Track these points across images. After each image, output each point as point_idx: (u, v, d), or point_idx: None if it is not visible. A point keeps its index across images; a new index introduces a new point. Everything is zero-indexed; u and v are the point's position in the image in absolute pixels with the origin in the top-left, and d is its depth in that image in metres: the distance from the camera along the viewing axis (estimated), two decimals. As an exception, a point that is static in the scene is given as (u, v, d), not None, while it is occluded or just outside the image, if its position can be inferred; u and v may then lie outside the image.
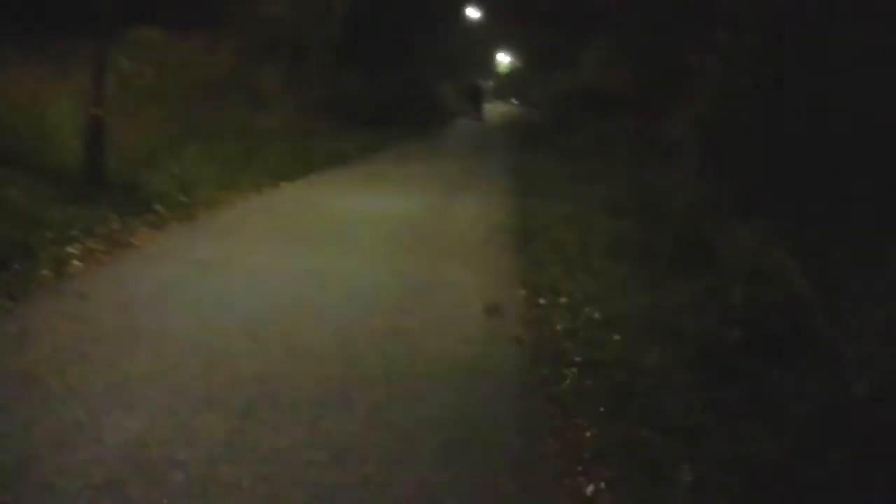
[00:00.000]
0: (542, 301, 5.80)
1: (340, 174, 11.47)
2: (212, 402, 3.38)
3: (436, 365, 4.28)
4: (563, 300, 5.82)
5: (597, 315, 5.42)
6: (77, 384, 3.41)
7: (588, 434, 3.61)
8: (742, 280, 5.50)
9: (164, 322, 4.35)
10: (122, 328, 4.17)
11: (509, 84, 59.33)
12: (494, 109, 46.11)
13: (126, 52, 11.08)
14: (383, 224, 8.06)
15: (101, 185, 7.05)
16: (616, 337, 4.99)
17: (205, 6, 13.43)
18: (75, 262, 5.28)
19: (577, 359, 4.62)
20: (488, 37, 52.22)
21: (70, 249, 5.49)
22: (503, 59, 61.31)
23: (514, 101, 54.24)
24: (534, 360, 4.62)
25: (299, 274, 5.74)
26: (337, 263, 6.20)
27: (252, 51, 14.25)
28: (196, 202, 7.75)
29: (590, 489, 3.13)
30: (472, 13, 43.88)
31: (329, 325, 4.69)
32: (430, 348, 4.52)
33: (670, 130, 8.93)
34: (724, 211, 6.48)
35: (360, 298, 5.31)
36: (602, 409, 3.88)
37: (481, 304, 5.45)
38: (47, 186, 6.54)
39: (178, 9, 13.08)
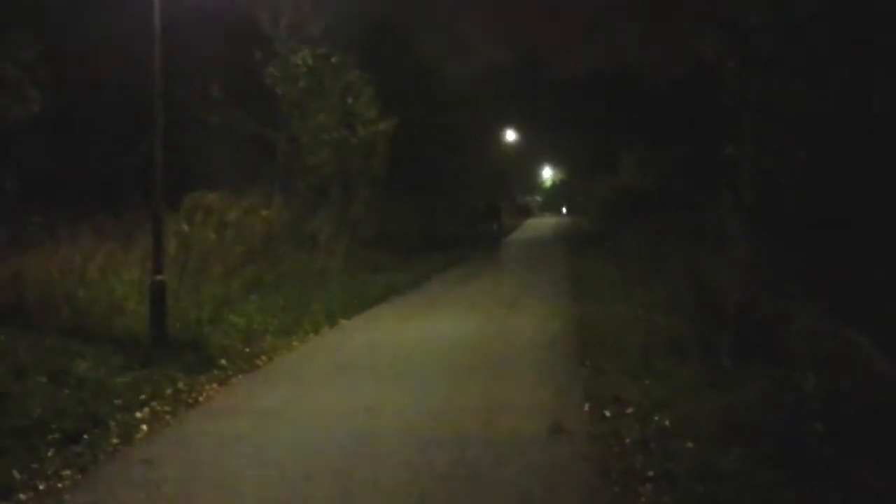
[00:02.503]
0: (607, 413, 5.63)
1: (395, 305, 11.62)
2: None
3: (500, 497, 4.14)
4: (629, 410, 5.64)
5: (667, 422, 5.22)
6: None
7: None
8: (814, 367, 5.25)
9: (223, 480, 4.37)
10: (183, 492, 4.20)
11: (557, 195, 60.49)
12: (543, 221, 46.80)
13: (186, 217, 11.84)
14: (438, 350, 8.07)
15: (168, 346, 7.33)
16: (689, 444, 4.77)
17: (256, 167, 14.36)
18: (143, 427, 5.41)
19: (651, 473, 4.41)
20: (531, 153, 53.94)
21: (138, 415, 5.66)
22: (548, 173, 62.87)
23: (563, 210, 55.10)
24: (604, 479, 4.42)
25: (357, 413, 5.73)
26: (394, 397, 6.18)
27: (303, 199, 15.00)
28: (257, 351, 7.94)
29: None
30: (511, 136, 45.68)
31: (388, 461, 4.63)
32: (493, 479, 4.39)
33: (716, 222, 8.86)
34: (784, 297, 6.29)
35: (417, 432, 5.25)
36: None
37: (544, 424, 5.32)
38: (117, 354, 6.83)
39: (233, 172, 14.04)
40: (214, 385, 6.66)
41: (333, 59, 14.73)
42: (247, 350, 7.92)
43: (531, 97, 48.69)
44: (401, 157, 18.00)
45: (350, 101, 15.64)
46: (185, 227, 11.27)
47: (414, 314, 10.70)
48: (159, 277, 7.32)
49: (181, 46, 10.20)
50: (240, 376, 7.04)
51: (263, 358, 7.76)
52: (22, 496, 4.10)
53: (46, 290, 7.69)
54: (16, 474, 4.31)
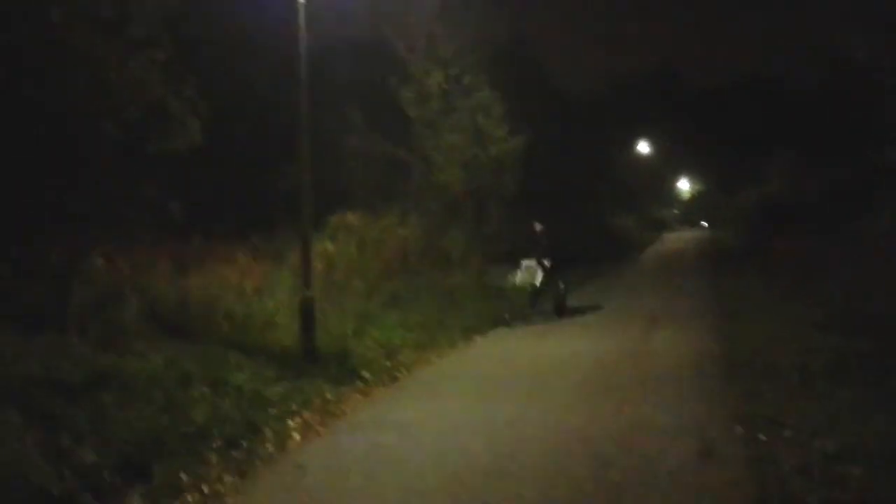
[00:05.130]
0: (762, 436, 5.29)
1: (528, 321, 11.55)
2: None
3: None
4: (787, 433, 5.27)
5: (829, 447, 4.83)
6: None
7: None
8: None
9: (368, 488, 4.53)
10: (332, 498, 4.39)
11: (695, 208, 58.16)
12: (681, 235, 45.05)
13: (330, 236, 12.45)
14: (575, 368, 7.93)
15: (315, 358, 7.70)
16: (856, 471, 4.39)
17: (391, 186, 14.86)
18: (294, 435, 5.71)
19: (811, 500, 4.10)
20: (668, 165, 52.24)
21: (290, 423, 5.97)
22: (685, 185, 60.64)
23: (703, 223, 52.78)
24: (760, 506, 4.15)
25: (495, 428, 5.74)
26: (533, 413, 6.14)
27: (437, 217, 15.32)
28: (397, 365, 8.18)
29: None
30: (645, 148, 44.50)
31: (527, 478, 4.58)
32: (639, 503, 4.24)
33: (883, 233, 8.18)
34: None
35: (557, 450, 5.17)
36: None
37: (692, 447, 5.08)
38: (271, 365, 7.26)
39: (370, 192, 14.61)
40: (358, 396, 6.93)
41: (465, 80, 15.01)
42: (388, 363, 8.18)
43: (666, 108, 47.14)
44: (532, 174, 17.98)
45: (480, 119, 15.84)
46: (330, 246, 11.87)
47: (548, 330, 10.59)
48: (309, 293, 7.72)
49: (322, 72, 10.79)
50: (381, 388, 7.28)
51: (403, 371, 7.98)
52: (189, 497, 4.43)
53: (209, 307, 8.31)
54: (183, 477, 4.67)
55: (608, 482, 4.51)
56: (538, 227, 12.51)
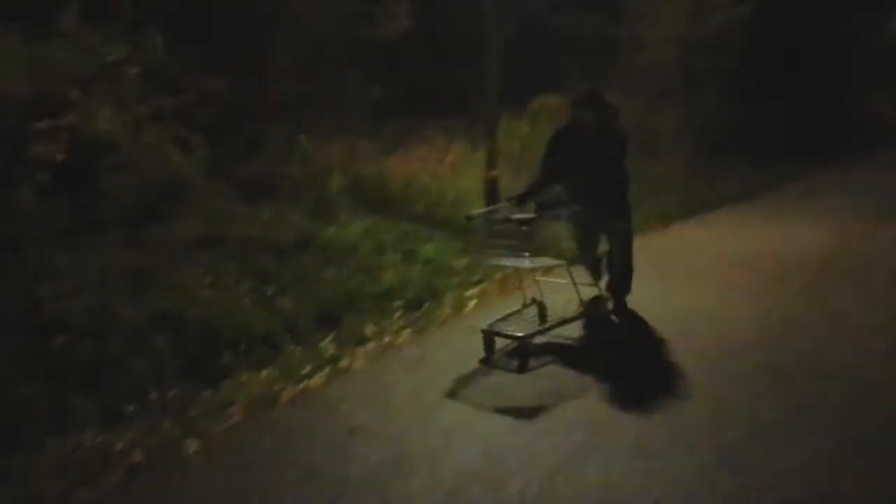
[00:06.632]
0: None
1: (735, 212, 10.82)
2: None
3: (818, 412, 3.82)
4: None
5: None
6: (441, 403, 4.09)
7: None
8: None
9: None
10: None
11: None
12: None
13: (529, 119, 12.46)
14: (772, 259, 7.43)
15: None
16: None
17: (599, 68, 14.26)
18: (471, 303, 6.12)
19: None
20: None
21: (469, 292, 6.40)
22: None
23: None
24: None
25: (670, 307, 5.77)
26: (709, 298, 6.03)
27: (646, 99, 14.54)
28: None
29: None
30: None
31: (697, 370, 4.55)
32: (812, 394, 4.03)
33: None
34: None
35: (731, 334, 5.05)
36: None
37: (884, 345, 4.69)
38: (458, 240, 7.70)
39: (578, 75, 14.17)
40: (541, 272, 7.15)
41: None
42: (573, 244, 8.24)
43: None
44: (765, 45, 16.04)
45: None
46: (526, 129, 11.92)
47: (752, 222, 9.89)
48: (493, 173, 7.97)
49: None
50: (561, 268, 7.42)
51: (590, 251, 8.02)
52: (370, 346, 5.05)
53: (406, 184, 8.92)
54: (369, 329, 5.29)
55: (775, 369, 4.36)
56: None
